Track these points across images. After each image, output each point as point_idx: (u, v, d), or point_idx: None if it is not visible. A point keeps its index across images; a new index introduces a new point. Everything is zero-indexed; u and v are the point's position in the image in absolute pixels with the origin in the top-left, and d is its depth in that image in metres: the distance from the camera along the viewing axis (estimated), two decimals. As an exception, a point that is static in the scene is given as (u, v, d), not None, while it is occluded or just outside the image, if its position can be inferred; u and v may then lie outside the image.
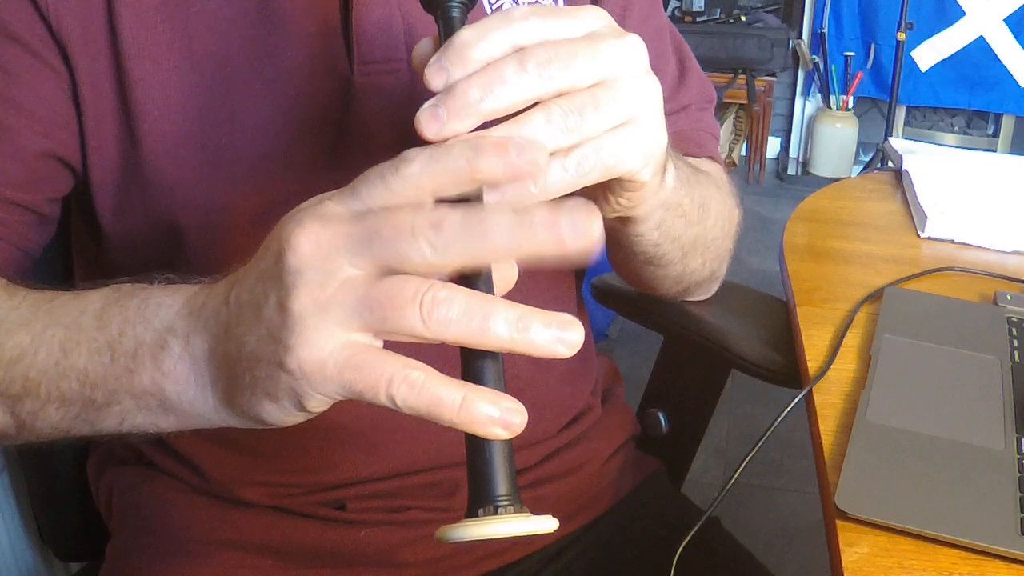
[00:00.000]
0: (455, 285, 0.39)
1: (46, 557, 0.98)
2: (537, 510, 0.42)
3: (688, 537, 0.69)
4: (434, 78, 0.44)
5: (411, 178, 0.39)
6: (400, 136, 0.64)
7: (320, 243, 0.39)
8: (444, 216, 0.38)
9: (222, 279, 0.46)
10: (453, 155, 0.39)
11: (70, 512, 0.89)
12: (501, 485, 0.41)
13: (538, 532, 0.41)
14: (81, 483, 0.84)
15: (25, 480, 0.91)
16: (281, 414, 0.43)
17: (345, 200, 0.41)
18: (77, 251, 0.74)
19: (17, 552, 0.94)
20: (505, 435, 0.39)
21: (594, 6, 0.48)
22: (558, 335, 0.39)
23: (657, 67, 0.50)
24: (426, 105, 0.44)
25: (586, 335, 0.89)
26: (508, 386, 0.41)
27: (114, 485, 0.79)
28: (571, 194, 0.57)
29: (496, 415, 0.39)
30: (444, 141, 0.42)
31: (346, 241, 0.39)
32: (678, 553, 0.68)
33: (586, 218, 0.38)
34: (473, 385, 0.39)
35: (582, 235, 0.38)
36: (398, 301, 0.38)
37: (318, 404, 0.42)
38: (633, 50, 0.47)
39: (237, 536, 0.72)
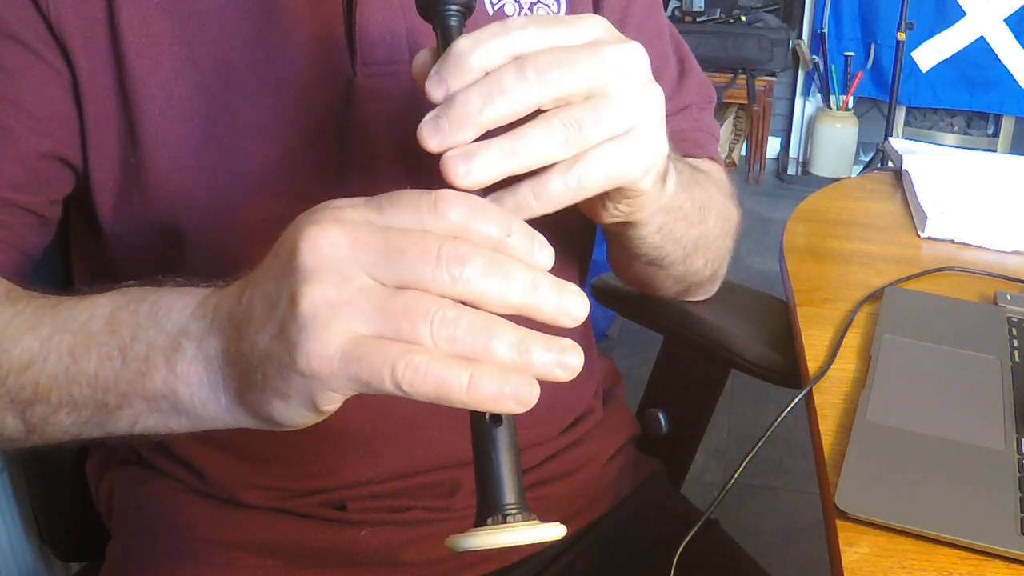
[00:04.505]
0: (462, 305, 0.40)
1: (46, 557, 0.98)
2: (537, 511, 0.42)
3: (688, 538, 0.69)
4: (434, 90, 0.45)
5: (447, 222, 0.40)
6: (402, 138, 0.64)
7: (340, 247, 0.40)
8: (470, 254, 0.39)
9: (234, 281, 0.46)
10: (492, 222, 0.41)
11: (70, 512, 0.89)
12: (509, 493, 0.41)
13: (547, 540, 0.41)
14: (81, 483, 0.84)
15: (25, 480, 0.91)
16: (291, 414, 0.43)
17: (367, 212, 0.41)
18: (77, 252, 0.74)
19: (17, 552, 0.94)
20: (518, 409, 0.39)
21: (593, 14, 0.48)
22: (557, 359, 0.40)
23: (657, 68, 0.50)
24: (428, 117, 0.44)
25: (588, 338, 0.89)
26: None
27: (115, 485, 0.78)
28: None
29: (506, 390, 0.39)
30: (446, 152, 0.43)
31: (369, 252, 0.40)
32: (678, 554, 0.68)
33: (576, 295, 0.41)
34: (479, 363, 0.39)
35: (578, 309, 0.41)
36: (413, 315, 0.39)
37: (329, 401, 0.42)
38: (635, 57, 0.47)
39: (238, 536, 0.72)
